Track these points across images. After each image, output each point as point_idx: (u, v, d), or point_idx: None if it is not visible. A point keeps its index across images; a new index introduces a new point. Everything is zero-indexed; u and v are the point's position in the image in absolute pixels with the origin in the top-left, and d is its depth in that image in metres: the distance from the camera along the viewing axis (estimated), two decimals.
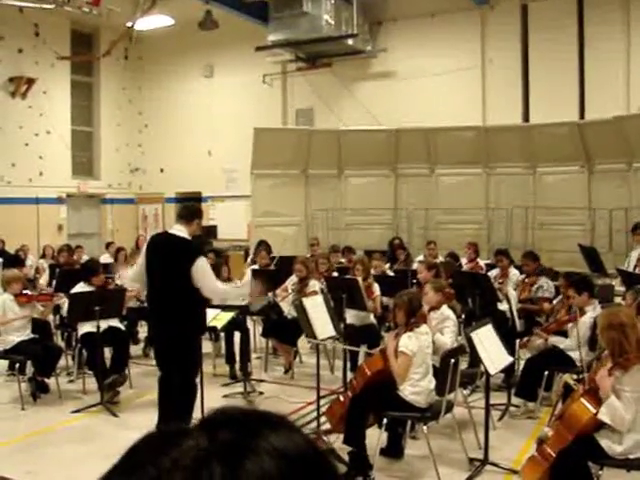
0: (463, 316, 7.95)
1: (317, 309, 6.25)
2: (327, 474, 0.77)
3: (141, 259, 6.03)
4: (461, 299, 8.12)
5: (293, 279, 8.81)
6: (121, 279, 9.33)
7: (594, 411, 4.27)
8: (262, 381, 8.25)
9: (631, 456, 4.25)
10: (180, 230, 5.86)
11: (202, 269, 5.69)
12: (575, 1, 14.50)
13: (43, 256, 13.60)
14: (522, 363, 7.17)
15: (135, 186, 20.09)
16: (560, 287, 7.77)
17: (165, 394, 5.97)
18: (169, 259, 5.77)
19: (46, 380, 7.63)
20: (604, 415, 4.22)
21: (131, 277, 6.61)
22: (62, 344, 8.94)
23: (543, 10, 14.74)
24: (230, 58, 18.30)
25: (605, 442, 4.25)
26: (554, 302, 7.71)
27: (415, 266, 10.15)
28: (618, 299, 7.91)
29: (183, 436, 0.74)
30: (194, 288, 5.68)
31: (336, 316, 6.66)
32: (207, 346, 8.69)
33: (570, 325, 6.69)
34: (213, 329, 7.33)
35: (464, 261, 10.74)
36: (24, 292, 7.81)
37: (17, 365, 7.51)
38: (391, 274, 10.01)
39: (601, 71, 14.18)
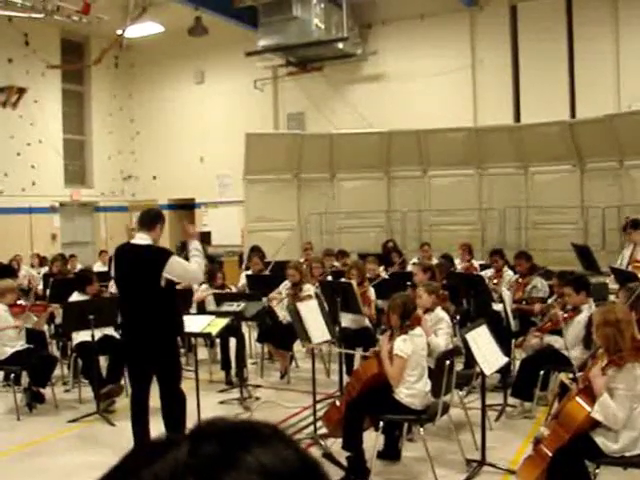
0: (458, 317, 7.96)
1: (312, 314, 6.25)
2: None
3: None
4: (456, 300, 8.13)
5: (287, 284, 8.82)
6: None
7: (590, 410, 4.28)
8: (258, 386, 8.24)
9: (627, 454, 4.25)
10: (142, 238, 5.76)
11: (178, 265, 5.66)
12: (564, 1, 14.56)
13: (32, 265, 13.63)
14: (518, 363, 7.18)
15: (128, 194, 20.07)
16: (553, 286, 7.79)
17: (141, 413, 5.86)
18: (136, 268, 5.69)
19: (42, 390, 7.60)
20: (597, 414, 4.23)
21: None
22: (57, 354, 8.92)
23: (532, 10, 14.80)
24: (221, 64, 18.33)
25: (601, 440, 4.26)
26: (548, 302, 7.72)
27: (410, 268, 10.17)
28: (612, 297, 7.92)
29: (168, 448, 0.73)
30: (166, 291, 5.65)
31: (331, 320, 6.66)
32: (203, 352, 8.70)
33: (565, 323, 6.70)
34: (208, 335, 7.31)
35: (458, 262, 10.75)
36: (18, 302, 7.79)
37: (12, 376, 7.48)
38: (386, 277, 10.01)
39: (591, 70, 14.24)
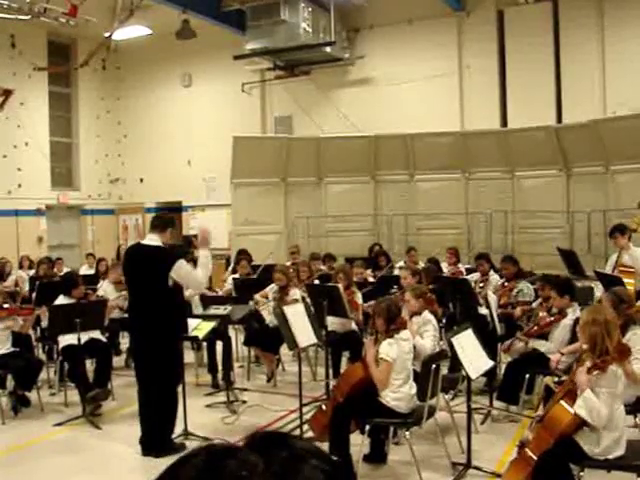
0: (444, 321, 7.99)
1: (298, 317, 6.26)
2: None
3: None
4: (442, 304, 8.16)
5: (274, 288, 8.82)
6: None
7: (573, 412, 4.30)
8: (245, 390, 8.24)
9: (610, 456, 4.28)
10: (153, 239, 6.12)
11: (184, 269, 6.02)
12: (550, 6, 14.64)
13: (20, 267, 13.56)
14: (503, 367, 7.21)
15: (115, 196, 20.00)
16: (538, 290, 7.83)
17: (146, 406, 6.13)
18: (145, 268, 6.01)
19: (27, 394, 7.57)
20: (581, 409, 4.23)
21: None
22: (43, 357, 8.89)
23: (519, 15, 14.88)
24: (208, 67, 18.30)
25: (584, 443, 4.29)
26: (533, 305, 7.76)
27: (396, 272, 10.20)
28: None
29: (233, 451, 0.85)
30: (172, 292, 5.94)
31: (317, 324, 6.67)
32: (189, 356, 8.69)
33: (551, 326, 6.74)
34: (195, 339, 7.32)
35: (445, 266, 10.78)
36: (4, 306, 7.75)
37: None
38: (372, 280, 10.03)
39: (577, 75, 14.32)
